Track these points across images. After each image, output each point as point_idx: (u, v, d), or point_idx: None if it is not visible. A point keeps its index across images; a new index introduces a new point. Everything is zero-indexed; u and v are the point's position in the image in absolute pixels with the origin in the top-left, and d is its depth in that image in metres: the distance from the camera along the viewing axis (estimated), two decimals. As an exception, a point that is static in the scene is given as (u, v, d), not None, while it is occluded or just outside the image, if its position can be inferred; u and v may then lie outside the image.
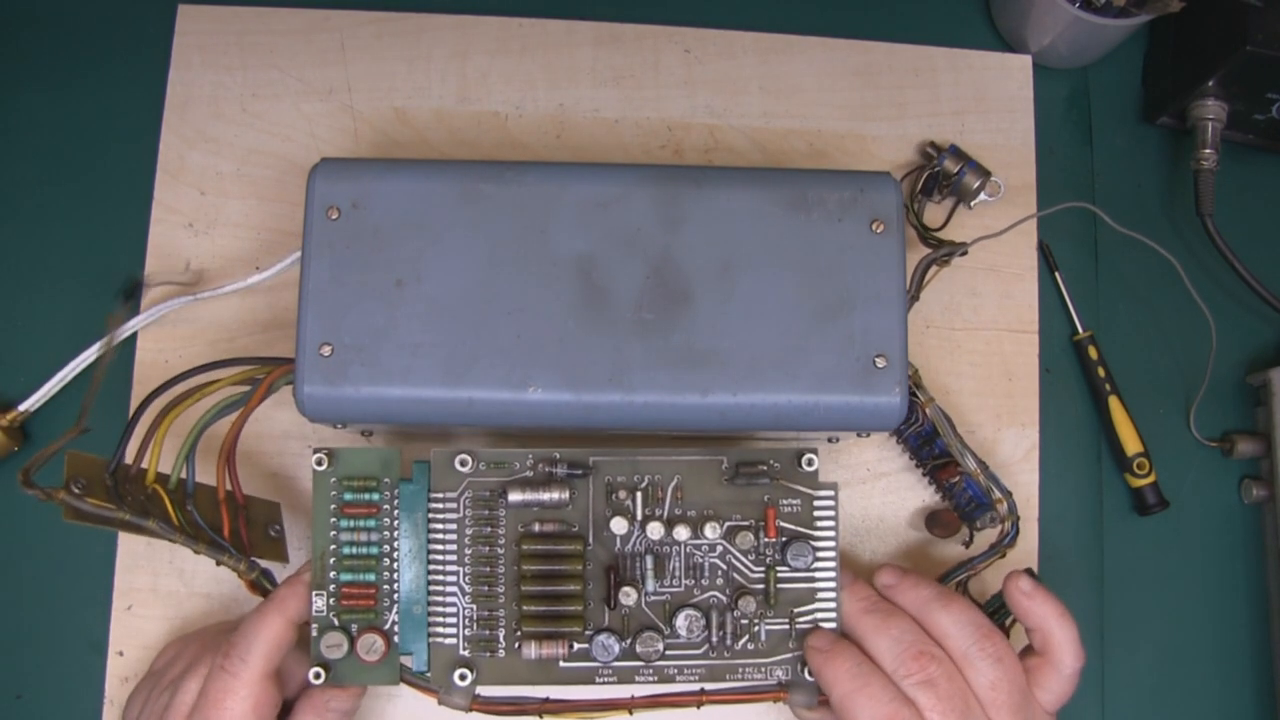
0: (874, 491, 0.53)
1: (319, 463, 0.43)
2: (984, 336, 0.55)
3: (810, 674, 0.44)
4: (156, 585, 0.51)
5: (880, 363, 0.42)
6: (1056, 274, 0.56)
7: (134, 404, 0.50)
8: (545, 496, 0.43)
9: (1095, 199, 0.57)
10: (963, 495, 0.50)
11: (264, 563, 0.46)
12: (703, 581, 0.44)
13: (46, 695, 0.51)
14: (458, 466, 0.44)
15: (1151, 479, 0.54)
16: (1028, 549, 0.53)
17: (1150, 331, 0.57)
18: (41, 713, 0.50)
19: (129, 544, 0.51)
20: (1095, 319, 0.56)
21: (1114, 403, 0.54)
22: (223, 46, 0.56)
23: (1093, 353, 0.55)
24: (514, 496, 0.43)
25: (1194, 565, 0.55)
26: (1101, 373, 0.55)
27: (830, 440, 0.48)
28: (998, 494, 0.48)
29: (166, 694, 0.43)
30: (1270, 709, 0.54)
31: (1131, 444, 0.54)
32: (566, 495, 0.44)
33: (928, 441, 0.50)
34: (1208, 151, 0.54)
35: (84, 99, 0.56)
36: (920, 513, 0.53)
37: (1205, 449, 0.56)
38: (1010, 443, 0.54)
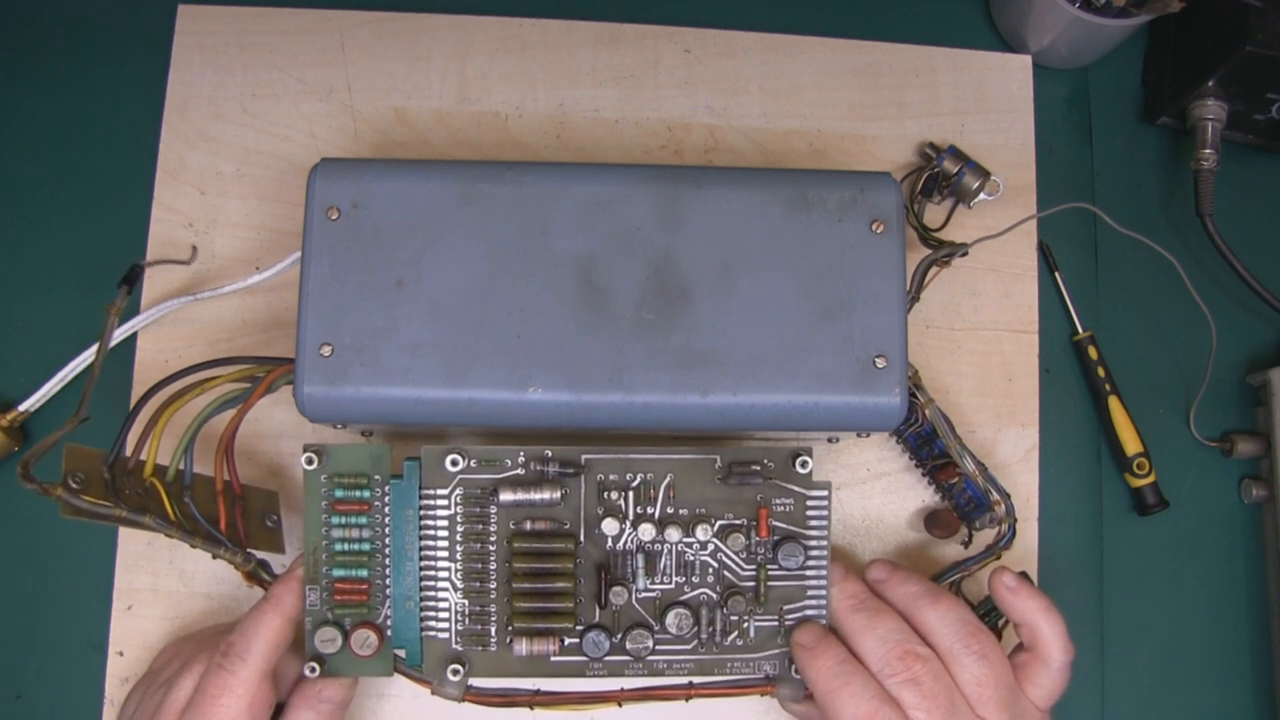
0: (874, 491, 0.53)
1: (309, 462, 0.43)
2: (984, 336, 0.55)
3: (796, 670, 0.44)
4: (156, 585, 0.51)
5: (880, 363, 0.42)
6: (1056, 274, 0.56)
7: (133, 403, 0.50)
8: (537, 496, 0.44)
9: (1095, 199, 0.57)
10: (962, 496, 0.50)
11: (260, 553, 0.46)
12: (693, 579, 0.45)
13: (46, 695, 0.51)
14: (448, 466, 0.44)
15: (1151, 479, 0.54)
16: (1028, 549, 0.53)
17: (1150, 331, 0.57)
18: (41, 713, 0.51)
19: (129, 544, 0.51)
20: (1095, 319, 0.56)
21: (1114, 403, 0.54)
22: (223, 46, 0.56)
23: (1093, 353, 0.55)
24: (505, 496, 0.43)
25: (1194, 565, 0.55)
26: (1101, 373, 0.55)
27: (830, 440, 0.48)
28: (996, 496, 0.48)
29: (160, 691, 0.43)
30: (1270, 709, 0.54)
31: (1131, 444, 0.54)
32: (558, 495, 0.44)
33: (927, 442, 0.50)
34: (1208, 151, 0.54)
35: (84, 99, 0.56)
36: (920, 513, 0.53)
37: (1205, 449, 0.56)
38: (1010, 443, 0.54)
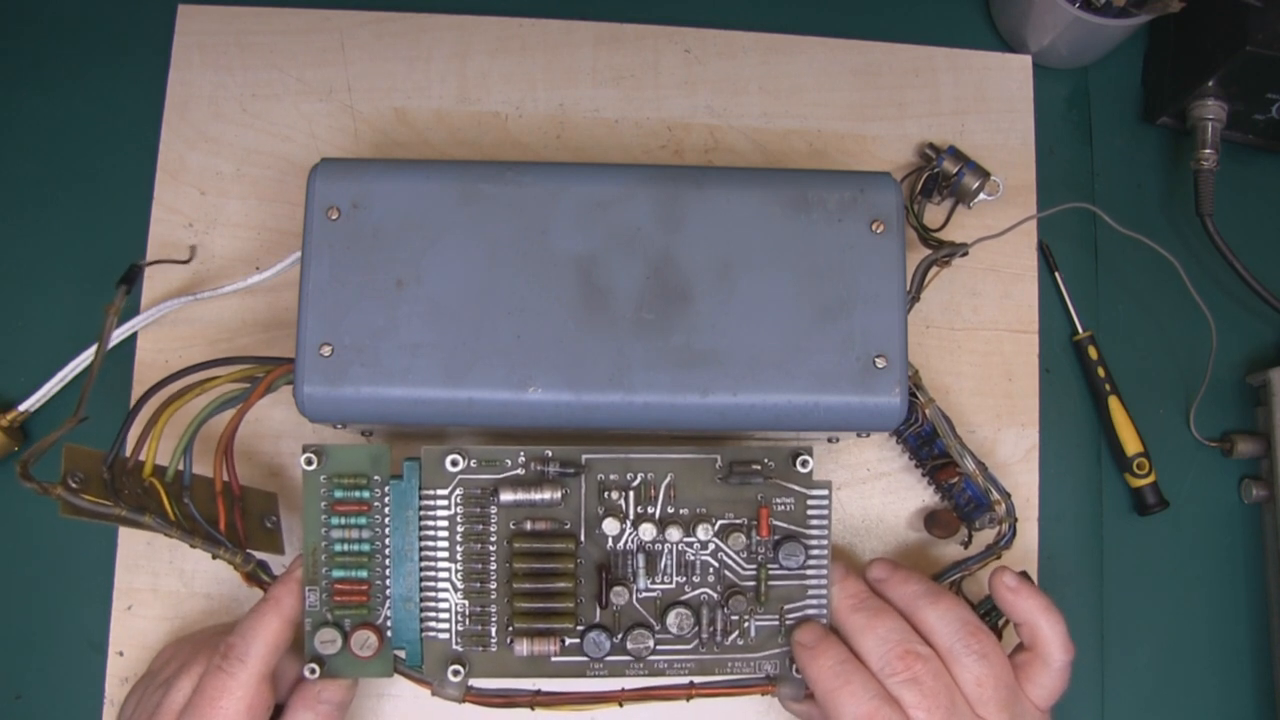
0: (874, 491, 0.53)
1: (308, 462, 0.43)
2: (984, 336, 0.55)
3: (797, 670, 0.44)
4: (156, 585, 0.51)
5: (880, 363, 0.42)
6: (1056, 274, 0.56)
7: (133, 403, 0.50)
8: (537, 496, 0.44)
9: (1095, 199, 0.57)
10: (962, 496, 0.50)
11: (259, 554, 0.46)
12: (694, 579, 0.45)
13: (46, 695, 0.51)
14: (448, 466, 0.44)
15: (1151, 479, 0.54)
16: (1027, 549, 0.53)
17: (1150, 331, 0.57)
18: (41, 713, 0.51)
19: (129, 544, 0.51)
20: (1095, 319, 0.56)
21: (1114, 403, 0.54)
22: (223, 46, 0.56)
23: (1093, 353, 0.55)
24: (506, 496, 0.43)
25: (1194, 565, 0.55)
26: (1101, 373, 0.55)
27: (830, 440, 0.48)
28: (996, 495, 0.48)
29: (159, 692, 0.43)
30: (1270, 709, 0.54)
31: (1131, 444, 0.54)
32: (559, 495, 0.44)
33: (927, 442, 0.50)
34: (1208, 151, 0.54)
35: (84, 99, 0.56)
36: (920, 513, 0.53)
37: (1205, 449, 0.56)
38: (1010, 443, 0.54)
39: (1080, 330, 0.55)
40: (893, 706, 0.40)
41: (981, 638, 0.42)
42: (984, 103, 0.57)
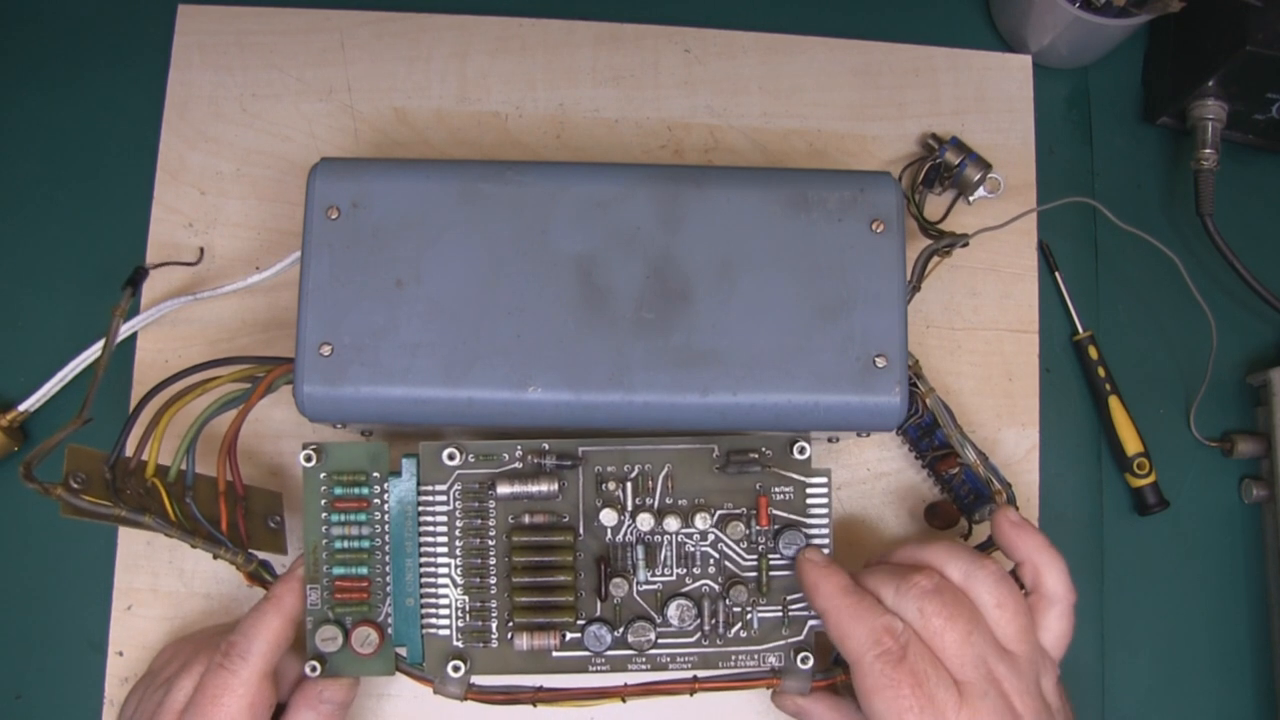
0: (874, 491, 0.53)
1: (307, 459, 0.43)
2: (984, 336, 0.55)
3: (802, 661, 0.44)
4: (156, 585, 0.51)
5: (880, 363, 0.42)
6: (1056, 274, 0.56)
7: (134, 403, 0.50)
8: (534, 489, 0.44)
9: (1095, 199, 0.57)
10: (962, 487, 0.50)
11: (262, 554, 0.46)
12: (694, 570, 0.45)
13: (46, 695, 0.51)
14: (446, 460, 0.44)
15: (1151, 479, 0.54)
16: (1028, 549, 0.53)
17: (1150, 331, 0.57)
18: (41, 713, 0.51)
19: (129, 544, 0.51)
20: (1095, 319, 0.56)
21: (1114, 403, 0.54)
22: (223, 46, 0.56)
23: (1093, 353, 0.55)
24: (503, 489, 0.44)
25: (1194, 565, 0.55)
26: (1101, 373, 0.55)
27: (830, 440, 0.48)
28: (997, 485, 0.48)
29: (160, 692, 0.43)
30: (1270, 709, 0.54)
31: (1131, 444, 0.54)
32: (556, 487, 0.44)
33: (927, 433, 0.50)
34: (1208, 151, 0.54)
35: (84, 99, 0.56)
36: (919, 503, 0.53)
37: (1205, 449, 0.56)
38: (1010, 443, 0.54)
39: (1080, 330, 0.55)
40: (902, 622, 0.39)
41: (991, 565, 0.41)
42: (984, 103, 0.57)
